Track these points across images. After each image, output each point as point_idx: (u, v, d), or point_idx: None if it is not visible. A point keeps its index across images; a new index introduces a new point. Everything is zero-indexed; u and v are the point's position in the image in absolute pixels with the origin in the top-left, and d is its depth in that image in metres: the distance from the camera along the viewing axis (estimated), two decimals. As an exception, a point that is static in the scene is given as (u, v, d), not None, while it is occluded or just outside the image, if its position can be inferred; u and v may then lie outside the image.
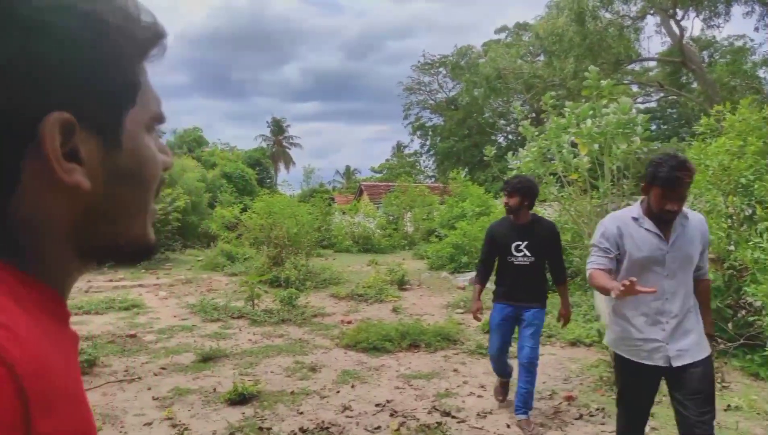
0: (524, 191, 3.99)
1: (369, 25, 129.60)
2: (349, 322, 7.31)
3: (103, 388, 4.79)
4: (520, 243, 4.02)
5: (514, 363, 4.24)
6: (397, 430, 3.94)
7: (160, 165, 0.56)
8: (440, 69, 38.41)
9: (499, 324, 4.11)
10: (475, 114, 34.27)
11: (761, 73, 26.08)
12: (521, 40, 32.21)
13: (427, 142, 41.42)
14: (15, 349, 0.40)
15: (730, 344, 5.33)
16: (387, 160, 49.27)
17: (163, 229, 14.60)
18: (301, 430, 3.95)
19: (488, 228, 4.40)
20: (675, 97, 28.60)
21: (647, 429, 3.00)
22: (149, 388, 4.79)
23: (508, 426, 4.03)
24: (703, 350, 2.69)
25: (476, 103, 33.06)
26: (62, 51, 0.46)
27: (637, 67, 28.45)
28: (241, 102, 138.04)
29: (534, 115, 24.80)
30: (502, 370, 4.30)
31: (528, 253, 4.01)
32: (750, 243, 5.16)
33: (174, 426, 4.00)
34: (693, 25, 29.27)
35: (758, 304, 5.21)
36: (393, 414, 4.26)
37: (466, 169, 27.74)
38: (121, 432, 3.91)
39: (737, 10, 21.50)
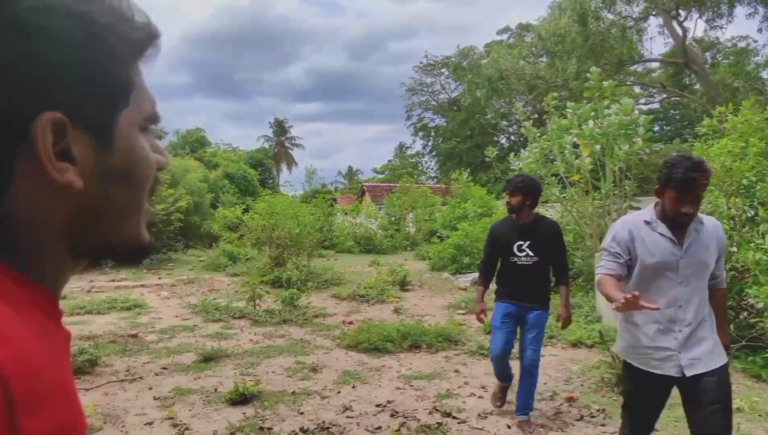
0: (526, 190, 3.92)
1: (371, 25, 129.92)
2: (351, 323, 7.31)
3: (105, 387, 4.80)
4: (522, 243, 3.95)
5: (515, 365, 4.22)
6: (398, 430, 3.94)
7: (153, 165, 0.56)
8: (442, 70, 38.46)
9: (501, 323, 4.00)
10: (478, 115, 34.28)
11: (764, 74, 26.08)
12: (523, 41, 32.24)
13: (430, 143, 41.48)
14: (0, 350, 0.40)
15: (731, 346, 5.32)
16: (389, 160, 49.39)
17: (166, 230, 14.63)
18: (302, 430, 3.95)
19: (490, 228, 4.34)
20: (678, 99, 28.56)
21: None
22: (150, 388, 4.79)
23: (509, 427, 4.03)
24: (718, 359, 2.55)
25: (478, 104, 33.07)
26: (54, 51, 0.46)
27: (639, 68, 28.46)
28: (244, 102, 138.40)
29: (536, 116, 24.77)
30: (503, 373, 4.19)
31: (531, 253, 3.93)
32: (752, 244, 5.15)
33: (175, 426, 4.00)
34: (696, 26, 29.29)
35: (760, 305, 5.20)
36: (394, 414, 4.26)
37: (468, 170, 27.76)
38: (122, 431, 3.92)
39: (740, 11, 21.46)
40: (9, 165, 0.46)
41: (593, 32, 20.52)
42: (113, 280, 11.14)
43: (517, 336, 4.11)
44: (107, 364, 5.45)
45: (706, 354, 2.53)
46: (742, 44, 27.68)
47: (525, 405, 3.98)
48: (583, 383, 4.97)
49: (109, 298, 8.61)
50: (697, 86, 26.20)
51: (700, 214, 2.59)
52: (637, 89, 28.96)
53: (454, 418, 4.19)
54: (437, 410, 4.34)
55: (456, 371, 5.34)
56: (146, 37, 0.54)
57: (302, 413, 4.27)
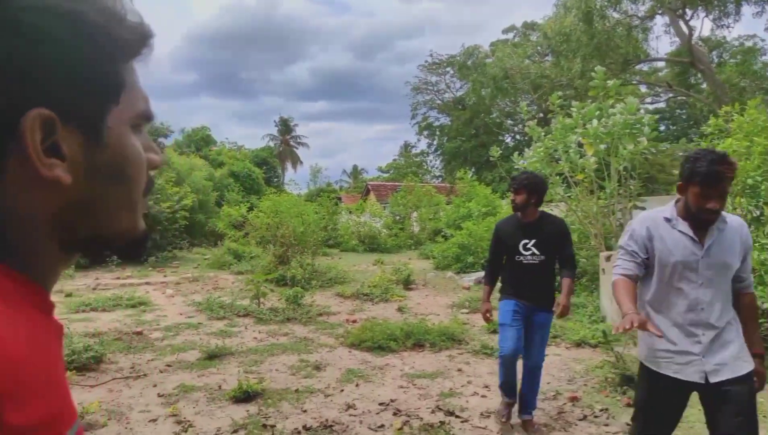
0: (531, 187, 3.83)
1: (377, 24, 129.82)
2: (354, 321, 7.33)
3: (109, 384, 4.83)
4: (527, 241, 3.87)
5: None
6: (401, 429, 3.94)
7: (145, 163, 0.57)
8: (447, 69, 38.42)
9: (513, 320, 3.84)
10: (483, 114, 34.24)
11: (771, 73, 25.90)
12: (529, 40, 32.17)
13: (434, 142, 41.46)
14: None
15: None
16: (394, 159, 49.35)
17: (171, 228, 14.69)
18: (305, 428, 3.96)
19: (495, 226, 4.24)
20: (684, 98, 28.44)
21: None
22: (155, 385, 4.82)
23: (512, 426, 4.03)
24: (745, 365, 2.37)
25: (483, 103, 33.04)
26: (44, 50, 0.47)
27: (645, 67, 28.32)
28: (249, 101, 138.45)
29: (541, 115, 24.75)
30: (510, 379, 3.95)
31: (537, 252, 3.85)
32: (757, 244, 5.13)
33: (179, 423, 4.02)
34: (702, 25, 29.03)
35: (765, 306, 5.18)
36: (396, 413, 4.27)
37: (473, 169, 27.76)
38: (126, 428, 3.94)
39: (747, 10, 21.36)
40: None
41: (599, 31, 20.45)
42: (118, 278, 11.20)
43: None
44: (112, 361, 5.48)
45: (732, 359, 2.37)
46: (749, 43, 27.58)
47: (528, 404, 3.97)
48: (586, 383, 4.96)
49: (114, 295, 8.66)
50: (704, 85, 26.09)
51: (723, 213, 2.44)
52: (643, 88, 28.86)
53: (456, 417, 4.20)
54: (440, 409, 4.34)
55: (459, 370, 5.35)
56: (139, 37, 0.55)
57: (305, 411, 4.28)
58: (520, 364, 4.02)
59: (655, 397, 2.52)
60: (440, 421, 4.07)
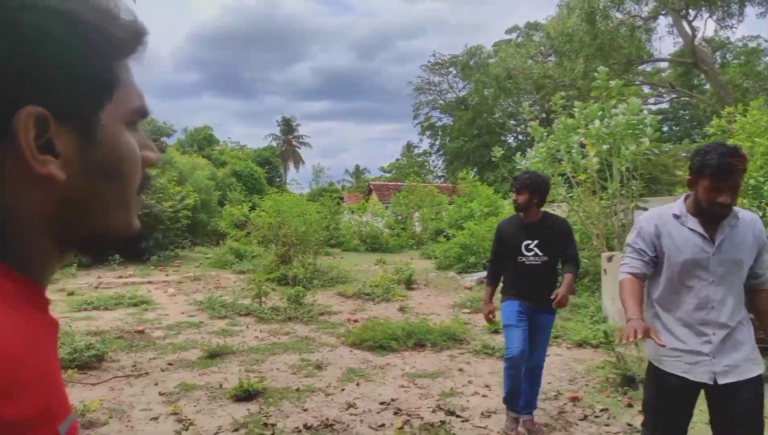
0: (533, 187, 3.79)
1: (379, 24, 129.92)
2: (356, 321, 7.33)
3: (111, 382, 4.84)
4: (530, 242, 3.83)
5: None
6: (401, 428, 3.94)
7: (139, 160, 0.57)
8: (450, 69, 38.38)
9: (518, 320, 3.78)
10: (485, 114, 34.22)
11: (775, 74, 25.83)
12: (531, 40, 32.15)
13: (437, 142, 41.43)
14: None
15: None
16: (396, 159, 49.36)
17: (173, 227, 14.72)
18: (306, 427, 3.96)
19: (497, 226, 4.20)
20: (687, 99, 28.39)
21: None
22: (156, 384, 4.83)
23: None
24: (755, 367, 2.33)
25: (486, 103, 33.03)
26: (37, 48, 0.47)
27: (648, 67, 28.27)
28: (252, 101, 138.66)
29: (544, 115, 24.72)
30: (516, 384, 3.84)
31: (539, 253, 3.82)
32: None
33: (180, 421, 4.03)
34: (706, 25, 29.08)
35: (767, 307, 5.17)
36: (397, 412, 4.27)
37: (475, 170, 27.76)
38: (127, 426, 3.95)
39: (751, 10, 21.29)
40: None
41: (602, 31, 20.42)
42: (121, 277, 11.22)
43: None
44: (114, 359, 5.49)
45: (743, 361, 2.31)
46: (752, 44, 27.51)
47: (528, 404, 3.97)
48: (587, 383, 4.96)
49: (116, 294, 8.68)
50: (707, 86, 26.02)
51: (735, 208, 2.36)
52: (646, 89, 28.82)
53: (457, 416, 4.20)
54: (441, 408, 4.34)
55: (460, 370, 5.35)
56: (133, 35, 0.55)
57: (306, 410, 4.29)
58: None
59: (663, 397, 2.46)
60: (441, 421, 4.07)
